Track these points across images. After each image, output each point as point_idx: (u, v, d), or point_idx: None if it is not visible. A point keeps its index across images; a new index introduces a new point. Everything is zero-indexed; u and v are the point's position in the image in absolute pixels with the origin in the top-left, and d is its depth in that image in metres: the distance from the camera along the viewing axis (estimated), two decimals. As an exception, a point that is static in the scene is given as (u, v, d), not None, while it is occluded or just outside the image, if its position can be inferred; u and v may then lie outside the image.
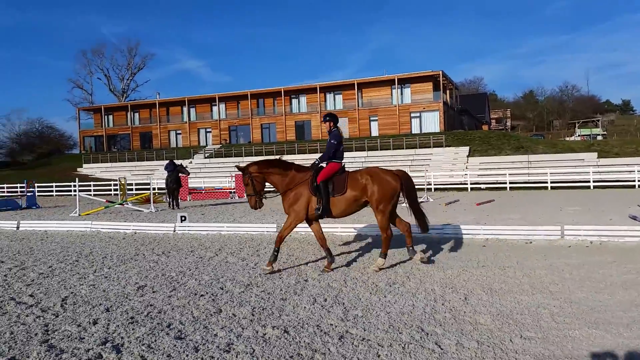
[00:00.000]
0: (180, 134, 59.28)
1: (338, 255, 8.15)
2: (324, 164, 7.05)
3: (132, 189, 35.14)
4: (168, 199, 21.52)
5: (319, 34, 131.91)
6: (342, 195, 6.81)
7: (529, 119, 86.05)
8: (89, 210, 18.88)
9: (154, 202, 20.38)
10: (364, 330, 4.41)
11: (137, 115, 61.73)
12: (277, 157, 7.80)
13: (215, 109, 57.86)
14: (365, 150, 41.69)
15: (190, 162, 46.71)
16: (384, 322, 4.61)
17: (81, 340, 4.28)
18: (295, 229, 7.98)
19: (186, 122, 58.56)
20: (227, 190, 29.41)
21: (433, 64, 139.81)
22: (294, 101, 54.38)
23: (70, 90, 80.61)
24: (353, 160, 39.63)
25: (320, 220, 7.19)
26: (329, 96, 52.53)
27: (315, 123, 51.92)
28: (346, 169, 7.20)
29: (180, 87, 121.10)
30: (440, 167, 35.66)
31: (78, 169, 50.70)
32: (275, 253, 6.90)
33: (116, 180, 38.75)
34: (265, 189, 7.36)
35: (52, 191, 39.06)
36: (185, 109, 58.73)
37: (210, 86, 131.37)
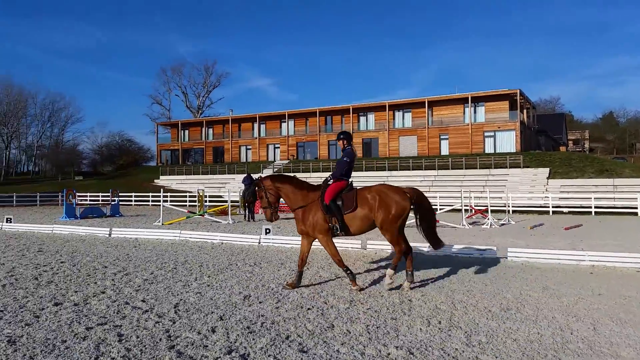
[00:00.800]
0: (250, 149, 60.95)
1: (418, 271, 7.84)
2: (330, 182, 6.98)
3: (206, 201, 36.30)
4: (243, 211, 22.01)
5: (382, 52, 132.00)
6: (353, 212, 6.70)
7: (608, 141, 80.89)
8: (170, 219, 19.63)
9: (229, 214, 20.90)
10: (496, 357, 4.13)
11: (210, 130, 64.27)
12: (292, 174, 7.59)
13: (284, 125, 59.08)
14: (435, 169, 40.77)
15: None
16: (514, 350, 4.31)
17: (205, 348, 4.31)
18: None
19: (256, 138, 60.15)
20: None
21: (502, 83, 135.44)
22: (362, 118, 54.43)
23: (149, 105, 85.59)
24: (423, 179, 38.93)
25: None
26: (398, 114, 52.11)
27: (382, 140, 51.61)
28: (354, 186, 7.07)
29: (248, 105, 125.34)
30: (518, 188, 34.10)
31: (155, 181, 53.27)
32: (348, 272, 6.78)
33: (191, 192, 40.50)
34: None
35: (131, 201, 41.21)
36: (255, 125, 60.43)
37: (276, 104, 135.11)
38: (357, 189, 6.94)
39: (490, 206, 23.50)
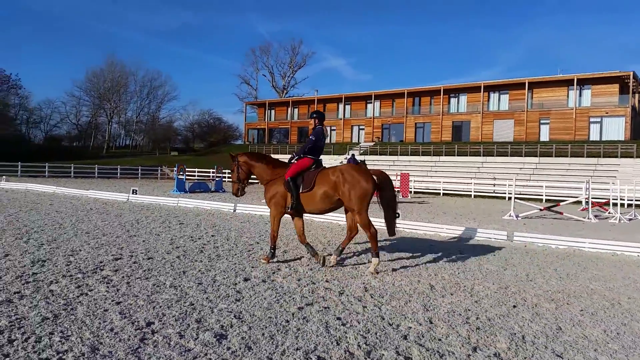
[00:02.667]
0: (334, 130, 60.89)
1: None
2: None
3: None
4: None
5: (466, 30, 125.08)
6: (310, 192, 6.77)
7: None
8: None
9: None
10: None
11: (296, 110, 64.95)
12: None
13: (369, 106, 58.33)
14: (536, 156, 38.41)
15: (346, 158, 47.65)
16: None
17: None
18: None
19: (341, 119, 59.94)
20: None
21: (604, 64, 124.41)
22: (453, 100, 52.33)
23: (238, 85, 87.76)
24: (523, 167, 36.86)
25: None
26: (493, 95, 49.52)
27: (474, 124, 49.40)
28: (324, 166, 7.14)
29: (323, 85, 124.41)
30: (631, 180, 31.27)
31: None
32: (272, 250, 7.05)
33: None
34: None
35: (225, 177, 42.70)
36: (341, 105, 60.16)
37: (352, 84, 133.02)
38: (322, 169, 6.98)
39: (606, 198, 21.66)
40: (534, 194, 30.97)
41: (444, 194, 33.35)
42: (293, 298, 5.18)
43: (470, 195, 32.40)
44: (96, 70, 72.41)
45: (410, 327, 4.39)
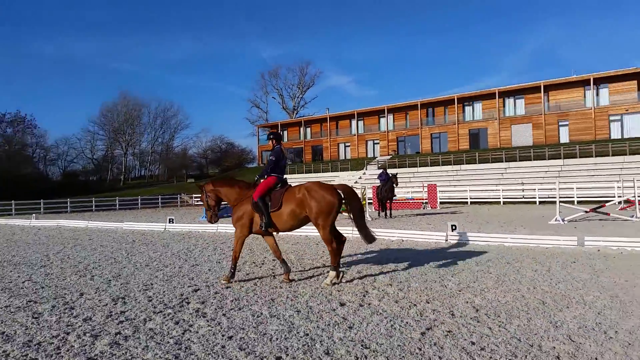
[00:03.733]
0: (349, 146, 60.86)
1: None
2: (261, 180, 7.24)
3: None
4: (378, 207, 21.58)
5: (467, 38, 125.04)
6: (278, 211, 6.87)
7: None
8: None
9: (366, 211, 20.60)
10: None
11: (309, 129, 65.10)
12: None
13: (382, 120, 58.29)
14: (560, 159, 37.86)
15: (364, 173, 47.43)
16: None
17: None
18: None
19: (354, 135, 59.91)
20: (419, 201, 28.77)
21: (610, 63, 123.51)
22: (467, 108, 52.15)
23: (249, 109, 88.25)
24: (548, 170, 36.32)
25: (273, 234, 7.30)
26: (508, 101, 49.27)
27: (492, 130, 49.10)
28: (288, 183, 7.28)
29: (328, 103, 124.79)
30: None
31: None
32: (232, 270, 7.08)
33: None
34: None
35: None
36: (353, 121, 60.18)
37: (357, 101, 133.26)
38: (287, 187, 7.09)
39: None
40: (564, 196, 30.39)
41: (471, 202, 32.85)
42: (406, 323, 4.85)
43: (499, 202, 31.88)
44: (110, 105, 73.52)
45: (554, 347, 4.05)
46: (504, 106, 49.22)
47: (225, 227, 16.00)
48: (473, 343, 4.21)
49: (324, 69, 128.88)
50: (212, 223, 7.74)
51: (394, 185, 20.93)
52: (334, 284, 6.75)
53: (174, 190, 55.16)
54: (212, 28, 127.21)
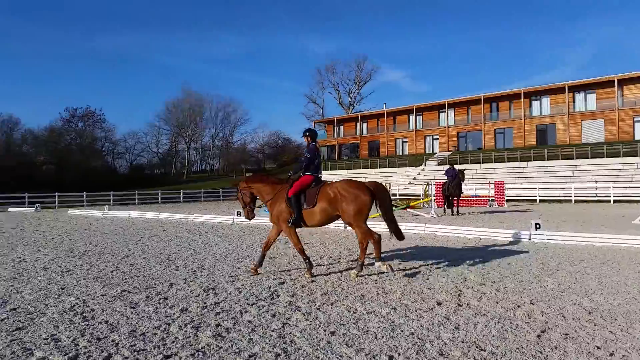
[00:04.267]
0: (406, 141, 59.82)
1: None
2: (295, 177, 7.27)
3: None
4: (444, 204, 21.00)
5: (527, 32, 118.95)
6: (312, 208, 6.91)
7: None
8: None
9: (416, 208, 20.11)
10: None
11: (365, 125, 64.55)
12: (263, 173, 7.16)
13: (442, 115, 56.83)
14: (636, 156, 35.40)
15: (423, 169, 46.48)
16: None
17: None
18: None
19: (413, 130, 58.79)
20: (485, 198, 27.77)
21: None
22: (534, 103, 49.81)
23: (305, 104, 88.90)
24: (622, 168, 34.08)
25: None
26: (579, 96, 46.60)
27: (561, 126, 46.65)
28: (323, 181, 7.27)
29: (383, 98, 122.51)
30: None
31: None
32: (307, 261, 7.08)
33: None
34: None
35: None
36: (412, 117, 59.08)
37: (412, 97, 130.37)
38: (322, 185, 7.08)
39: None
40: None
41: (540, 200, 31.36)
42: (516, 325, 4.57)
43: (570, 200, 30.23)
44: (174, 101, 76.26)
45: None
46: (574, 101, 46.63)
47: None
48: (598, 347, 3.88)
49: (378, 64, 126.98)
50: (249, 219, 7.82)
51: (462, 181, 20.28)
52: (383, 272, 6.94)
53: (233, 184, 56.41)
54: (262, 26, 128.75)
